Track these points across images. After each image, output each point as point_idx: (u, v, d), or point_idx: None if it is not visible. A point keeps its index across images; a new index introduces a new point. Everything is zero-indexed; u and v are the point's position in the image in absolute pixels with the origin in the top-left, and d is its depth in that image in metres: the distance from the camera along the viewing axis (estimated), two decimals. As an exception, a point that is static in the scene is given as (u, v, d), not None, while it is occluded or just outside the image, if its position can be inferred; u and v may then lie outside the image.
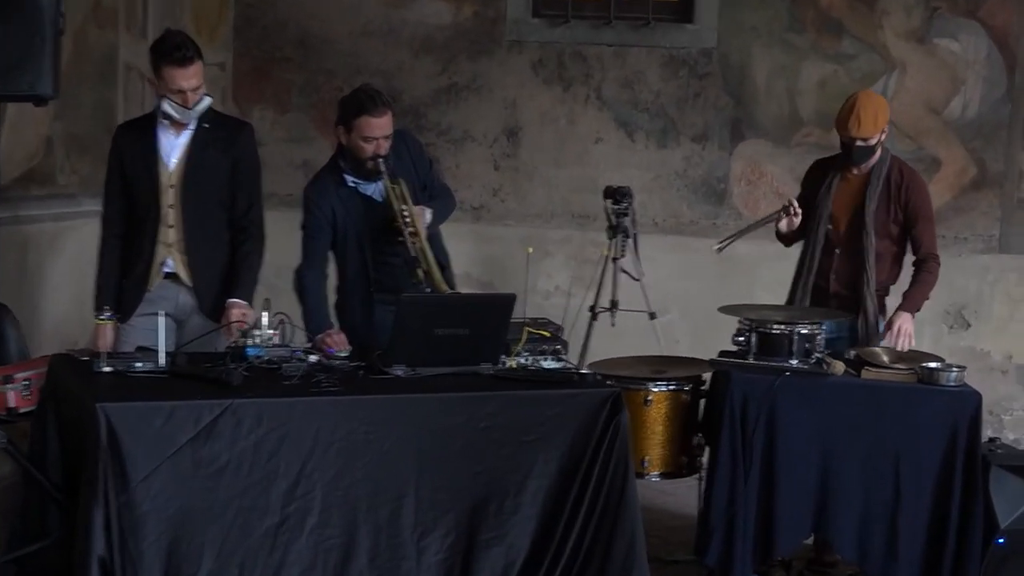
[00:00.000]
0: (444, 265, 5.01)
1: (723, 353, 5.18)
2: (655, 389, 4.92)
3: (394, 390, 4.22)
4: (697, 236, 7.30)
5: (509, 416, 4.25)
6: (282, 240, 7.34)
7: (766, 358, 4.94)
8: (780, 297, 7.20)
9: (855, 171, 5.28)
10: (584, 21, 7.30)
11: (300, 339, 4.70)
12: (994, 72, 7.06)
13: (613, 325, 6.67)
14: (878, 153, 5.26)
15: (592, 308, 6.73)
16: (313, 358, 4.50)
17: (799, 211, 5.30)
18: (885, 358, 4.97)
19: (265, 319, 4.52)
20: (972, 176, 7.08)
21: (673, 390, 4.96)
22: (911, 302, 5.17)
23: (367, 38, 7.39)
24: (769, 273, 7.26)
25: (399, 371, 4.37)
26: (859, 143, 5.16)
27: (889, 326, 5.13)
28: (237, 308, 4.74)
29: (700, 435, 5.01)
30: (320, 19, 7.41)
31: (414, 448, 4.15)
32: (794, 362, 4.91)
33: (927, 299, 5.24)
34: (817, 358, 4.94)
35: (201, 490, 3.85)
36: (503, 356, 4.55)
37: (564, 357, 4.75)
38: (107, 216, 4.95)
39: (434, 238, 5.02)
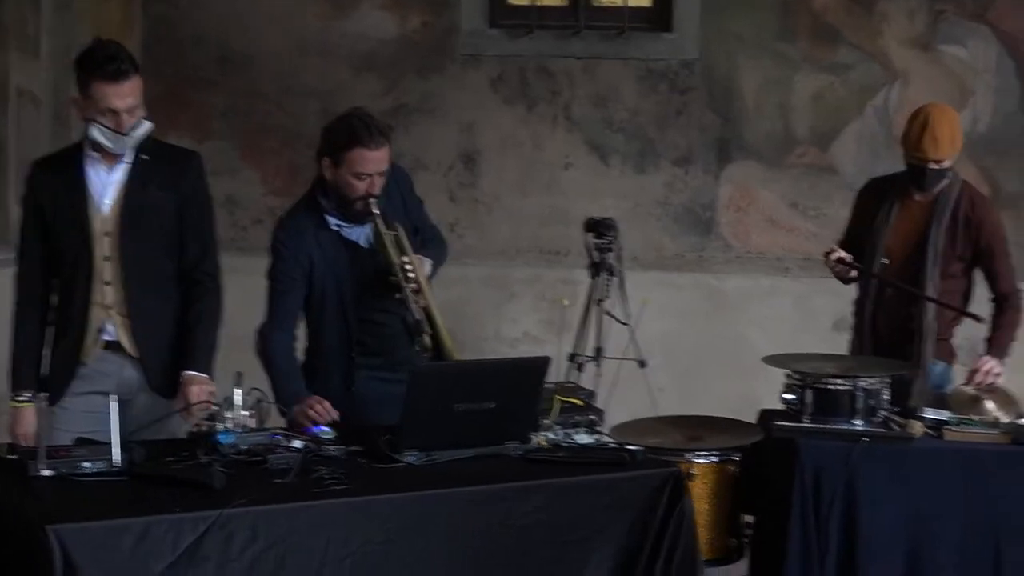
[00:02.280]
0: None
1: (768, 412, 4.56)
2: (699, 461, 4.25)
3: (412, 485, 3.49)
4: (681, 271, 6.68)
5: (553, 509, 3.56)
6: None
7: (825, 419, 4.31)
8: (773, 335, 6.67)
9: (918, 197, 4.69)
10: (549, 31, 6.63)
11: (276, 421, 3.97)
12: (1006, 81, 6.56)
13: (599, 376, 6.01)
14: (948, 177, 4.69)
15: (573, 357, 6.05)
16: (298, 443, 3.73)
17: (842, 257, 4.74)
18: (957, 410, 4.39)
19: (238, 397, 3.75)
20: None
21: (719, 461, 4.29)
22: (998, 347, 4.64)
23: (300, 54, 6.64)
24: (762, 309, 6.70)
25: (411, 458, 3.65)
26: (932, 166, 4.60)
27: (975, 367, 4.59)
28: (197, 384, 3.95)
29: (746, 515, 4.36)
30: (245, 34, 6.64)
31: (442, 555, 3.44)
32: (858, 423, 4.29)
33: (1014, 340, 4.69)
34: (884, 417, 4.34)
35: (186, 629, 3.09)
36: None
37: (600, 429, 4.07)
38: (23, 273, 4.11)
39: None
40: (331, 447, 3.72)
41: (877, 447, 4.12)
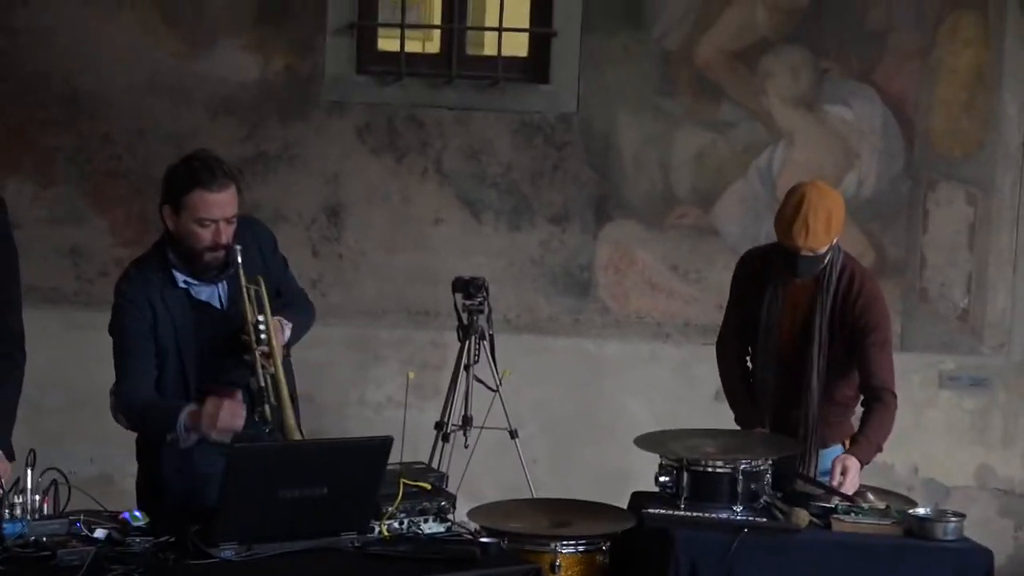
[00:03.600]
0: (293, 398, 3.76)
1: (641, 496, 4.07)
2: (564, 551, 3.73)
3: (225, 586, 2.94)
4: (557, 335, 6.18)
5: (391, 616, 3.03)
6: (47, 345, 5.97)
7: (703, 504, 3.85)
8: (652, 404, 6.21)
9: (797, 280, 4.21)
10: (419, 79, 6.12)
11: (81, 503, 3.37)
12: (891, 144, 6.19)
13: (467, 446, 5.49)
14: (828, 258, 4.18)
15: (440, 425, 5.54)
16: (101, 533, 3.16)
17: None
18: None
19: (29, 479, 3.17)
20: (870, 263, 6.08)
21: (586, 551, 3.77)
22: (862, 448, 4.05)
23: (153, 96, 6.04)
24: (639, 377, 6.23)
25: (228, 552, 3.09)
26: (805, 253, 4.06)
27: (833, 467, 4.01)
28: (-7, 464, 3.37)
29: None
30: (93, 72, 6.02)
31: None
32: (739, 509, 3.83)
33: (882, 446, 4.16)
34: (765, 503, 3.88)
35: None
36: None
37: (451, 518, 3.54)
38: None
39: (285, 363, 3.78)
40: (136, 538, 3.15)
41: (759, 538, 3.63)
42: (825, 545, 3.66)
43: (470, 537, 3.43)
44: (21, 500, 3.12)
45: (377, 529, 3.35)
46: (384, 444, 3.25)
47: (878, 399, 4.18)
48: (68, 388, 6.04)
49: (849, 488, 3.94)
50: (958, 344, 6.26)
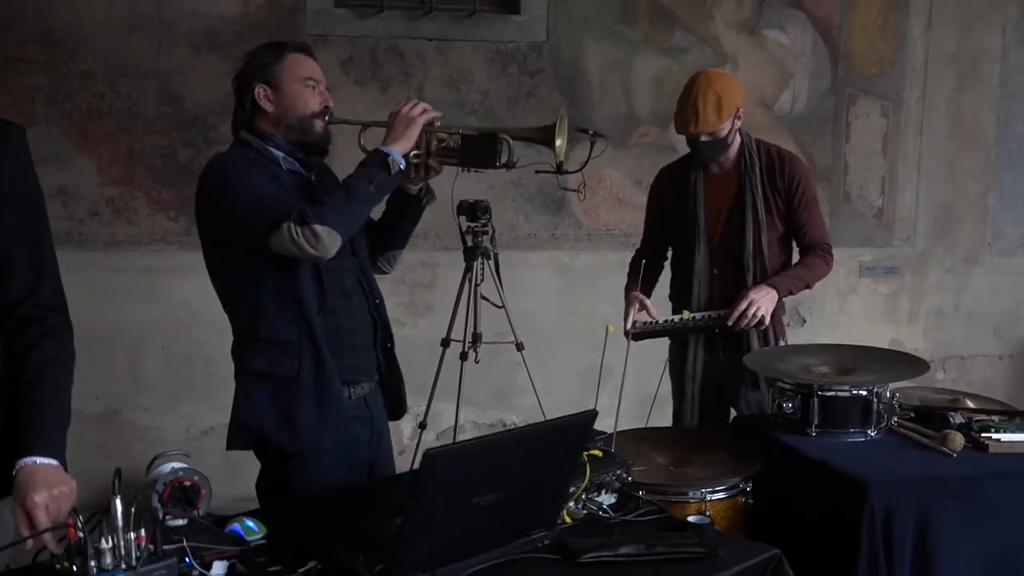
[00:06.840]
0: None
1: (745, 420, 2.73)
2: (712, 497, 2.35)
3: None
4: (535, 250, 4.73)
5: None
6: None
7: (833, 432, 2.52)
8: (621, 306, 4.88)
9: (716, 169, 3.02)
10: (399, 11, 4.48)
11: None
12: (820, 65, 4.89)
13: (477, 361, 4.02)
14: (737, 141, 3.00)
15: (446, 343, 4.05)
16: (220, 569, 1.62)
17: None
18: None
19: (118, 508, 1.59)
20: (805, 171, 4.86)
21: (731, 496, 2.40)
22: (783, 280, 2.97)
23: (133, 32, 4.25)
24: (613, 284, 4.80)
25: (412, 586, 1.60)
26: (703, 138, 2.94)
27: (739, 301, 2.89)
28: (46, 486, 1.71)
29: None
30: (70, 9, 4.19)
31: None
32: (872, 433, 2.53)
33: (806, 286, 3.04)
34: (895, 423, 2.58)
35: None
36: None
37: (629, 480, 2.12)
38: None
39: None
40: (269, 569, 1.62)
41: (947, 474, 2.32)
42: (1012, 479, 2.35)
43: (672, 518, 2.01)
44: (111, 543, 1.55)
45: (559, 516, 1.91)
46: (588, 420, 1.79)
47: (813, 249, 3.05)
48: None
49: (750, 317, 2.86)
50: (874, 238, 5.08)
